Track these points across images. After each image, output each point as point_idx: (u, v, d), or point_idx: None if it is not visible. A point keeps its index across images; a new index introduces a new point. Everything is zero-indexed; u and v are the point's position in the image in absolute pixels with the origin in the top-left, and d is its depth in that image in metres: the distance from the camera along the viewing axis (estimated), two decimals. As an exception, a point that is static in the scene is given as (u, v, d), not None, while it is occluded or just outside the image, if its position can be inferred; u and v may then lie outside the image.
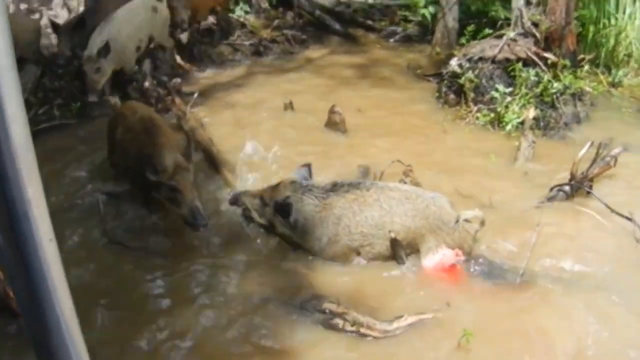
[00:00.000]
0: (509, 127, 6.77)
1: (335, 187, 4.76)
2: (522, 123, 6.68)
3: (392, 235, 4.52)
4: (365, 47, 9.71)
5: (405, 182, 5.25)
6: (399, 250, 4.57)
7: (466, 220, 4.58)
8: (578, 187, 5.50)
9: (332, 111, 6.76)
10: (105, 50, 6.42)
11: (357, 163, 5.99)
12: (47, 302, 1.17)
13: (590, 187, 5.53)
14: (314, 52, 9.52)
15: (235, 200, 4.88)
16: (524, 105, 6.88)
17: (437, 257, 4.53)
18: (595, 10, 8.40)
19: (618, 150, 5.86)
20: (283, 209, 4.63)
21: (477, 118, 7.09)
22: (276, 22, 10.18)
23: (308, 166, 4.99)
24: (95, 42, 6.56)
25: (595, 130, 6.84)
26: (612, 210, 5.19)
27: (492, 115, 7.00)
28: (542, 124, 6.91)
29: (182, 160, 4.88)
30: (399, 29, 10.34)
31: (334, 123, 6.75)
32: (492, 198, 5.45)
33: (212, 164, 5.97)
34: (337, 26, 10.24)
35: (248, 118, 7.13)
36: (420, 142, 6.61)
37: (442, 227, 4.57)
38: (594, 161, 5.57)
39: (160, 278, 4.54)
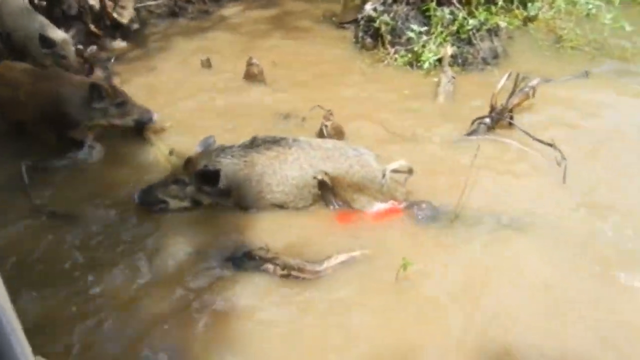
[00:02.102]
0: (426, 65, 6.75)
1: (254, 144, 4.58)
2: (439, 61, 6.67)
3: (319, 177, 4.42)
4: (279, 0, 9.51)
5: (326, 126, 5.17)
6: (328, 193, 4.48)
7: (394, 171, 4.49)
8: (499, 118, 5.53)
9: (249, 63, 6.59)
10: None
11: (278, 112, 5.88)
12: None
13: (511, 117, 5.57)
14: (229, 9, 9.27)
15: (146, 199, 4.53)
16: (440, 43, 6.85)
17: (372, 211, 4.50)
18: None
19: (536, 81, 5.91)
20: (211, 176, 4.40)
21: (396, 60, 7.03)
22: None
23: (211, 137, 4.79)
24: None
25: (513, 64, 6.90)
26: (534, 138, 5.24)
27: (410, 55, 6.96)
28: (460, 60, 6.91)
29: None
30: (312, -21, 10.14)
31: (252, 75, 6.58)
32: (416, 133, 5.44)
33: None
34: (249, -20, 9.95)
35: (166, 80, 6.90)
36: (340, 87, 6.50)
37: (368, 186, 4.46)
38: (512, 92, 5.59)
39: (86, 245, 4.30)
